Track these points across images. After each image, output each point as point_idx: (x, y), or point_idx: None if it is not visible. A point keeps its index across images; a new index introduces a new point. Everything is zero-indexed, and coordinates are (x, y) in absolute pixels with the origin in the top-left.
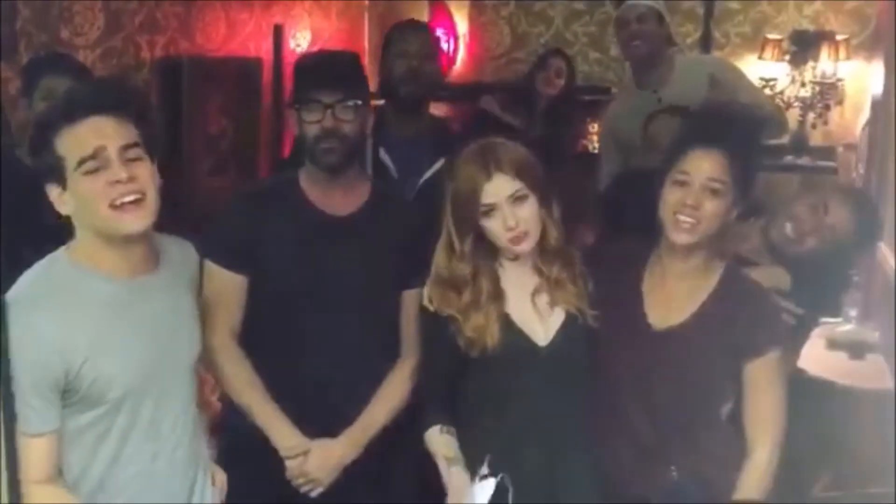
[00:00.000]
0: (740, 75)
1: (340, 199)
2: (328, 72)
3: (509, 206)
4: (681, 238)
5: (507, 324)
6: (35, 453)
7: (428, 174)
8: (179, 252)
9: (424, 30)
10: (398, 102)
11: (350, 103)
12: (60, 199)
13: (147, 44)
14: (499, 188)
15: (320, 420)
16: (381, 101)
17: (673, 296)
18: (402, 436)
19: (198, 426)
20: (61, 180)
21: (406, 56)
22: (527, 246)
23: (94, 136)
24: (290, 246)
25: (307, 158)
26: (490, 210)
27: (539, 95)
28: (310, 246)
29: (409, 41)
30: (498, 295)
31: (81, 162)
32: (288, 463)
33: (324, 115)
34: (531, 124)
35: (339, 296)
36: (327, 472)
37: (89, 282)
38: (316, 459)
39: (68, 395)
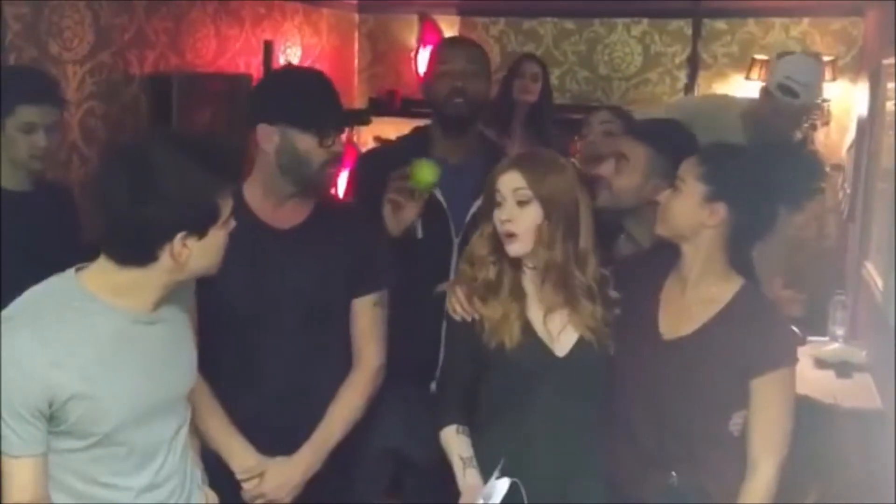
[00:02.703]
0: None
1: (288, 213)
2: (333, 98)
3: (511, 203)
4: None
5: (527, 328)
6: (17, 475)
7: (478, 203)
8: (182, 283)
9: (472, 48)
10: (444, 123)
11: (343, 126)
12: (185, 247)
13: (136, 59)
14: (508, 181)
15: (276, 436)
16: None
17: (687, 307)
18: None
19: (190, 451)
20: (202, 231)
21: (450, 75)
22: (515, 248)
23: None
24: (237, 261)
25: (290, 179)
26: (498, 202)
27: (517, 104)
28: (257, 260)
29: (453, 59)
30: (520, 295)
31: (228, 216)
32: (244, 485)
33: (333, 140)
34: (509, 137)
35: (289, 308)
36: (286, 491)
37: (99, 311)
38: (273, 479)
39: (54, 422)
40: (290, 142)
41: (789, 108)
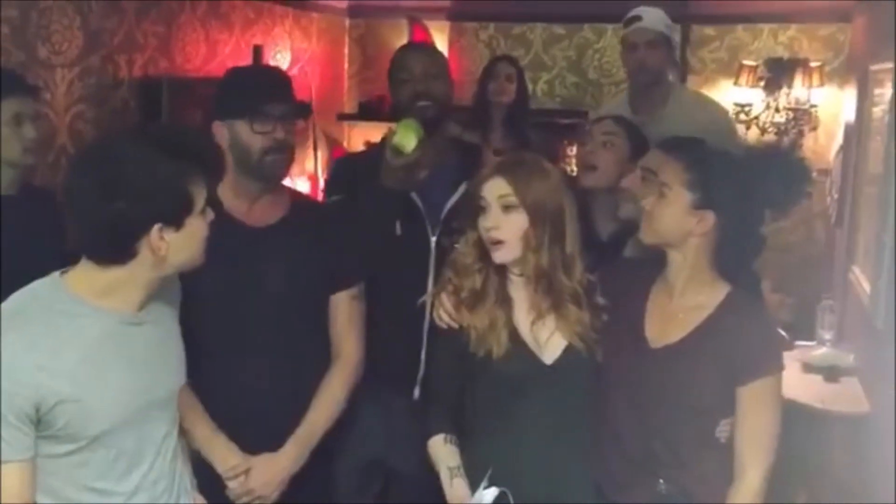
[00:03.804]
0: (732, 131)
1: (263, 211)
2: (276, 85)
3: (497, 209)
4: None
5: (515, 336)
6: (4, 480)
7: (452, 200)
8: (167, 280)
9: (428, 51)
10: None
11: (294, 115)
12: (162, 240)
13: (126, 63)
14: (492, 187)
15: (256, 433)
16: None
17: (673, 315)
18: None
19: (179, 454)
20: (178, 221)
21: (411, 80)
22: (502, 255)
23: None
24: (213, 261)
25: (244, 171)
26: (483, 208)
27: (494, 106)
28: (233, 259)
29: (411, 64)
30: (506, 303)
31: (205, 205)
32: (229, 483)
33: (274, 126)
34: (488, 138)
35: (265, 306)
36: (273, 486)
37: (85, 313)
38: (259, 476)
39: (42, 427)
40: (235, 134)
41: (641, 34)
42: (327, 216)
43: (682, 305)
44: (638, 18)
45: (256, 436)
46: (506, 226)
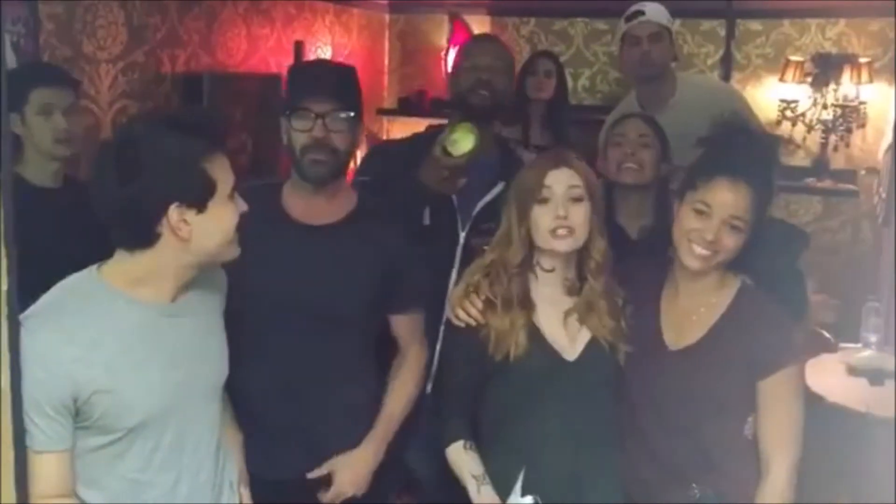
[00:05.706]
0: (748, 112)
1: (321, 211)
2: (321, 81)
3: (564, 199)
4: (693, 264)
5: (535, 334)
6: (42, 470)
7: (487, 198)
8: (210, 273)
9: (497, 45)
10: (466, 116)
11: (342, 115)
12: (183, 221)
13: (168, 58)
14: (560, 177)
15: (280, 431)
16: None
17: (687, 315)
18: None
19: (224, 448)
20: (199, 203)
21: (476, 69)
22: (566, 245)
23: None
24: (261, 257)
25: (294, 169)
26: (546, 198)
27: (532, 102)
28: (282, 256)
29: (479, 55)
30: (526, 303)
31: (231, 192)
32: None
33: (314, 124)
34: (527, 135)
35: (311, 307)
36: (360, 482)
37: (120, 304)
38: (344, 475)
39: (80, 418)
40: (286, 131)
41: (644, 28)
42: (393, 226)
43: (697, 305)
44: (641, 13)
45: (278, 432)
46: (574, 215)
